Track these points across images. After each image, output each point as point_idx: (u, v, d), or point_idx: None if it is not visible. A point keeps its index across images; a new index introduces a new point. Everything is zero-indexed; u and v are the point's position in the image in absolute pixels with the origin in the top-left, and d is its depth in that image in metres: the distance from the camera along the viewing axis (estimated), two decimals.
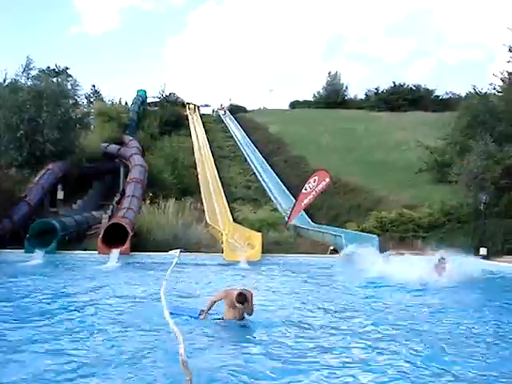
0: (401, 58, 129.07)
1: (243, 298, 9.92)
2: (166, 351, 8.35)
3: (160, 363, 8.07)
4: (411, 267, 16.35)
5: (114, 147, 35.55)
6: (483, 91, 31.46)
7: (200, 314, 10.60)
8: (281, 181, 35.50)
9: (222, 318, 10.35)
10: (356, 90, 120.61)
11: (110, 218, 25.27)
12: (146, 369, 7.83)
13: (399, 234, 25.37)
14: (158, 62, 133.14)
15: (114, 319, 10.98)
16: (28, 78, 30.47)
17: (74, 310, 11.76)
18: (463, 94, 45.05)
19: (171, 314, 10.25)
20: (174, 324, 8.54)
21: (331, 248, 23.28)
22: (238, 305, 9.94)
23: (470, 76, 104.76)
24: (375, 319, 11.45)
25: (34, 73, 31.22)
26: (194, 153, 41.65)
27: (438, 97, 64.62)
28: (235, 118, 56.34)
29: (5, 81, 29.78)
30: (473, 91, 32.69)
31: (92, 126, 37.43)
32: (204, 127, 51.54)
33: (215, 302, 10.52)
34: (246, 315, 10.35)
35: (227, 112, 60.45)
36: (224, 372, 7.66)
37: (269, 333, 9.97)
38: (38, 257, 20.01)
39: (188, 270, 18.76)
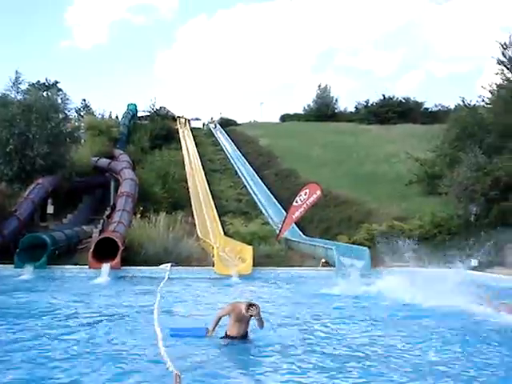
0: (390, 71, 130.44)
1: (254, 308, 9.57)
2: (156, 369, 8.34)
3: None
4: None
5: (104, 161, 35.48)
6: (472, 103, 31.73)
7: (207, 333, 10.14)
8: (272, 194, 35.50)
9: (226, 335, 9.93)
10: (346, 102, 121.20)
11: (101, 232, 25.18)
12: None
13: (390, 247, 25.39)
14: (148, 76, 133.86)
15: (106, 334, 10.92)
16: (18, 92, 30.44)
17: (66, 326, 11.69)
18: (452, 107, 45.43)
19: (175, 335, 10.22)
20: (162, 345, 8.73)
21: (323, 261, 23.28)
22: (248, 313, 9.52)
23: (458, 88, 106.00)
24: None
25: (23, 87, 31.25)
26: (184, 166, 41.65)
27: (427, 109, 65.08)
28: (226, 132, 56.46)
29: None
30: (462, 103, 32.97)
31: (82, 140, 37.42)
32: (194, 141, 51.61)
33: (221, 317, 10.08)
34: (249, 331, 10.03)
35: (218, 125, 60.58)
36: None
37: (275, 351, 9.72)
38: (27, 272, 19.88)
39: (179, 284, 18.70)
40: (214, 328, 10.05)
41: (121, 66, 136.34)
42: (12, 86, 30.34)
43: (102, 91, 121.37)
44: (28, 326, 11.47)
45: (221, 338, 9.94)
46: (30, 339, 10.35)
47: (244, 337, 9.98)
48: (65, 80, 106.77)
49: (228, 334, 9.91)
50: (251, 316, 9.60)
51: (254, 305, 9.63)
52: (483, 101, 31.08)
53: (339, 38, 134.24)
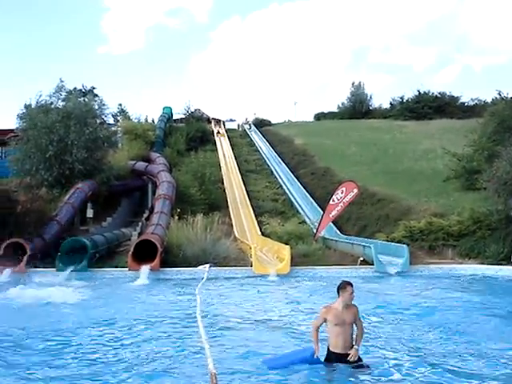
0: (426, 66, 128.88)
1: (349, 282, 8.18)
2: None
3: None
4: None
5: (141, 164, 35.91)
6: (509, 96, 31.16)
7: (312, 354, 8.31)
8: (308, 193, 35.44)
9: (330, 353, 8.21)
10: (382, 99, 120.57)
11: (140, 234, 25.49)
12: None
13: (429, 243, 25.12)
14: (183, 79, 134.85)
15: (147, 335, 11.10)
16: (59, 100, 31.02)
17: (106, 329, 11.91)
18: (489, 100, 44.67)
19: (273, 367, 8.56)
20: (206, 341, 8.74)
21: (361, 259, 23.16)
22: (350, 289, 8.04)
23: (497, 82, 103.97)
24: None
25: (64, 94, 31.81)
26: (220, 168, 41.87)
27: (463, 103, 64.09)
28: (260, 132, 56.56)
29: (37, 102, 30.34)
30: (498, 96, 32.42)
31: (119, 145, 37.89)
32: (230, 142, 51.85)
33: (319, 326, 8.34)
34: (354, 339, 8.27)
35: (252, 126, 60.76)
36: None
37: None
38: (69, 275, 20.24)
39: (219, 285, 18.84)
40: (317, 345, 8.25)
41: (156, 70, 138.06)
42: (54, 94, 30.97)
43: (137, 95, 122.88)
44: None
45: (325, 360, 8.29)
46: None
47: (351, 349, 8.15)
48: (101, 85, 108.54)
49: (332, 350, 8.20)
50: (352, 294, 8.08)
51: (348, 282, 8.19)
52: None
53: (373, 35, 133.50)
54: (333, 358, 8.13)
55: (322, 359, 8.23)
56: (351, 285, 8.10)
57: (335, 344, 8.07)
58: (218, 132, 50.32)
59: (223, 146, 50.41)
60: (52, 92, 30.88)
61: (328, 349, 8.21)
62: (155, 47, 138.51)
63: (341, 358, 8.03)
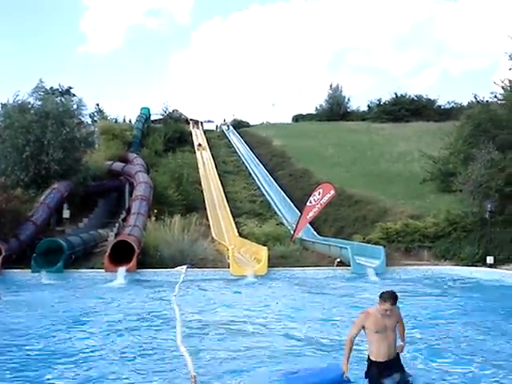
0: (406, 69, 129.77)
1: (393, 297, 7.04)
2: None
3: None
4: None
5: (118, 165, 35.72)
6: (485, 100, 31.52)
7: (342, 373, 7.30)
8: (285, 194, 35.52)
9: (372, 363, 7.22)
10: (360, 101, 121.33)
11: (117, 235, 25.36)
12: None
13: (405, 245, 25.36)
14: (161, 79, 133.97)
15: (127, 339, 11.05)
16: (37, 99, 30.72)
17: (82, 331, 11.84)
18: (465, 104, 45.09)
19: None
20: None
21: (338, 260, 23.28)
22: (387, 306, 6.97)
23: (475, 85, 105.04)
24: None
25: (41, 94, 31.50)
26: (198, 169, 41.78)
27: (440, 106, 64.67)
28: (238, 133, 56.56)
29: (14, 102, 29.99)
30: (474, 100, 32.77)
31: (96, 145, 37.63)
32: (208, 143, 51.76)
33: (355, 337, 7.28)
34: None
35: (230, 127, 60.75)
36: None
37: None
38: (44, 276, 20.09)
39: (196, 286, 18.80)
40: (348, 358, 7.27)
41: (135, 70, 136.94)
42: (33, 93, 30.67)
43: (115, 95, 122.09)
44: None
45: (366, 374, 7.30)
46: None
47: (398, 362, 7.31)
48: (79, 84, 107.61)
49: (374, 359, 7.19)
50: (387, 311, 7.00)
51: (393, 292, 7.14)
52: (495, 97, 30.85)
53: (352, 38, 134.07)
54: (375, 369, 7.14)
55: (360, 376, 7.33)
56: (393, 302, 6.99)
57: (377, 353, 7.10)
58: (200, 145, 49.21)
59: (200, 142, 50.34)
60: (30, 92, 30.59)
61: (369, 359, 7.24)
62: (135, 47, 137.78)
63: (385, 366, 7.09)
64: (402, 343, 7.41)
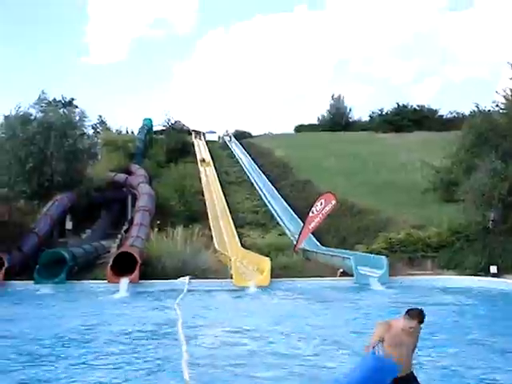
0: (408, 79, 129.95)
1: (420, 315, 6.49)
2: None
3: None
4: None
5: (121, 176, 35.75)
6: (486, 109, 31.56)
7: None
8: (288, 205, 35.50)
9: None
10: (363, 112, 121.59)
11: (119, 246, 25.35)
12: None
13: (408, 255, 25.27)
14: (164, 91, 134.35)
15: (128, 348, 11.02)
16: (39, 111, 30.83)
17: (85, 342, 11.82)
18: (467, 113, 45.16)
19: None
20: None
21: (340, 271, 23.23)
22: (414, 324, 6.42)
23: (477, 95, 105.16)
24: None
25: (43, 105, 31.63)
26: (200, 179, 41.80)
27: (441, 116, 64.78)
28: (241, 144, 56.65)
29: (17, 113, 30.08)
30: (476, 109, 32.81)
31: (99, 156, 37.71)
32: (210, 154, 51.83)
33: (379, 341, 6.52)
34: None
35: (232, 138, 60.88)
36: None
37: None
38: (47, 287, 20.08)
39: (199, 297, 18.78)
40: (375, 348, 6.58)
41: (136, 81, 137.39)
42: (35, 105, 30.79)
43: (118, 106, 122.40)
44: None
45: None
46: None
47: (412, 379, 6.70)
48: (82, 96, 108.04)
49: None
50: (411, 329, 6.46)
51: (416, 311, 6.54)
52: (497, 106, 30.90)
53: (355, 47, 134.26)
54: None
55: None
56: (421, 321, 6.47)
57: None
58: (203, 160, 48.26)
59: (203, 158, 50.35)
60: (33, 103, 30.72)
61: None
62: (137, 58, 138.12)
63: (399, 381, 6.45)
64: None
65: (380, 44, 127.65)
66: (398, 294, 19.03)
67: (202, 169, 45.59)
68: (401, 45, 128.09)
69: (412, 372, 6.63)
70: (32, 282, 20.81)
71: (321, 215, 27.26)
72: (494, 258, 23.00)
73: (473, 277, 22.23)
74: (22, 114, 30.13)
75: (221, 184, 41.02)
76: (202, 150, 53.02)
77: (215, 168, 45.98)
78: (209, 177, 43.59)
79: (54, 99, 41.90)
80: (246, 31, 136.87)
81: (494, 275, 22.27)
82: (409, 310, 6.48)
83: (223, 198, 37.62)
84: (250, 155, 50.61)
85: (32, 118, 30.22)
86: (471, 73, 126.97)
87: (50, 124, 29.32)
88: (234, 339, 12.04)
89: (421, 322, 6.42)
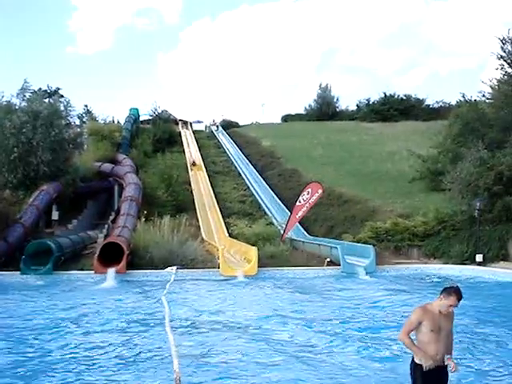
0: (394, 69, 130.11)
1: (458, 291, 6.07)
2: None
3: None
4: None
5: (107, 166, 35.58)
6: (473, 99, 31.73)
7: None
8: (275, 194, 35.55)
9: (417, 368, 6.10)
10: (349, 101, 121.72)
11: (106, 236, 25.26)
12: None
13: (395, 244, 25.45)
14: (150, 80, 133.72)
15: (115, 338, 11.01)
16: (23, 100, 30.54)
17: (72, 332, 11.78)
18: (454, 103, 45.35)
19: None
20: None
21: (328, 260, 23.32)
22: (453, 300, 5.99)
23: (464, 85, 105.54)
24: None
25: (28, 94, 31.35)
26: (187, 169, 41.70)
27: (428, 106, 64.88)
28: (228, 134, 56.53)
29: (0, 102, 29.79)
30: (462, 99, 32.97)
31: (85, 146, 37.46)
32: (197, 143, 51.69)
33: (411, 331, 6.12)
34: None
35: (220, 127, 60.70)
36: None
37: None
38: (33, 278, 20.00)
39: (186, 287, 18.78)
40: (418, 348, 6.11)
41: (123, 71, 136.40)
42: (18, 94, 30.50)
43: (104, 96, 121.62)
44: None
45: (413, 380, 6.21)
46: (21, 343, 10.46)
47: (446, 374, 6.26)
48: (68, 85, 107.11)
49: (418, 362, 6.11)
50: (451, 307, 6.06)
51: (454, 287, 6.14)
52: (484, 96, 31.08)
53: (341, 38, 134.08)
54: (418, 373, 6.10)
55: None
56: (459, 298, 6.05)
57: (427, 356, 6.03)
58: (194, 164, 46.47)
59: (191, 147, 50.19)
60: (16, 93, 30.45)
61: (413, 362, 6.17)
62: (123, 48, 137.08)
63: (431, 372, 6.03)
64: (449, 357, 6.24)
65: (366, 34, 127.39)
66: (384, 283, 19.13)
67: (187, 152, 45.45)
68: (387, 35, 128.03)
69: (445, 367, 6.16)
70: (18, 272, 20.71)
71: (308, 204, 27.33)
72: (480, 246, 23.18)
73: (459, 265, 22.42)
74: (5, 103, 29.82)
75: (208, 174, 40.96)
76: (193, 156, 51.91)
77: (202, 157, 45.82)
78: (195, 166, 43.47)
79: (40, 89, 41.51)
80: (232, 21, 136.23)
81: (479, 264, 22.47)
82: (446, 288, 6.10)
83: (210, 187, 37.57)
84: (237, 145, 50.51)
85: (17, 107, 29.89)
86: (457, 63, 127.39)
87: (37, 113, 29.04)
88: (222, 329, 12.05)
89: (459, 298, 6.03)
